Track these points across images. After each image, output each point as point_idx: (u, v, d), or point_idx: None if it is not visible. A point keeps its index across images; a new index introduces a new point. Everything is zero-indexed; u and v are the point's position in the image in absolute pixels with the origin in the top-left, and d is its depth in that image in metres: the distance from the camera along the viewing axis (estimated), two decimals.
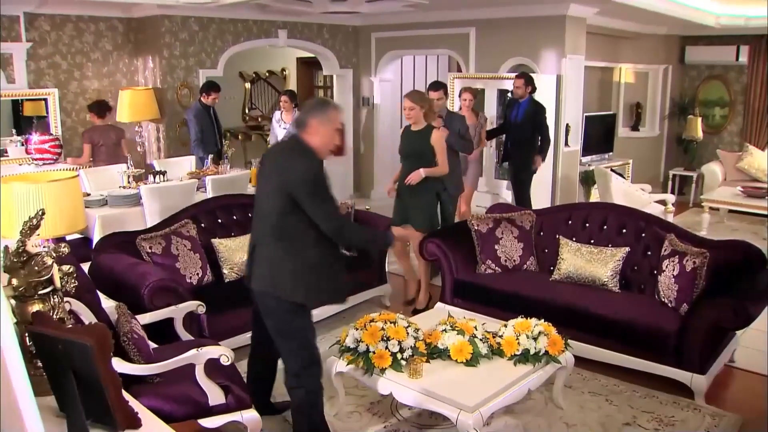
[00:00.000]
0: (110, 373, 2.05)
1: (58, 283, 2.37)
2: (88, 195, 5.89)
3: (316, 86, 11.95)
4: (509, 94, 7.50)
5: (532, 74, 7.56)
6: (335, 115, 3.36)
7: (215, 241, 4.88)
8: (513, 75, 7.79)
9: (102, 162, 6.98)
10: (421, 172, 5.25)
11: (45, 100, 7.39)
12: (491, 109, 8.35)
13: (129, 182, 6.26)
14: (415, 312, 5.30)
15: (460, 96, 7.18)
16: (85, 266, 4.10)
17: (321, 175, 3.26)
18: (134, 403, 2.23)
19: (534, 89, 7.14)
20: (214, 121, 7.72)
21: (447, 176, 5.50)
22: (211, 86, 7.58)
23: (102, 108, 7.21)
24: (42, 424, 1.61)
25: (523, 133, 7.16)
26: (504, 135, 7.56)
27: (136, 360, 3.10)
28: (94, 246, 4.72)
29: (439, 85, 6.21)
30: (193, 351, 3.08)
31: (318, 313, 5.00)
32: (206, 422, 3.05)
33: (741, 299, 3.89)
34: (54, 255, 2.36)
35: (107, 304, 3.65)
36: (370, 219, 5.63)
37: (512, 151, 7.35)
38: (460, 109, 7.12)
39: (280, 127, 7.85)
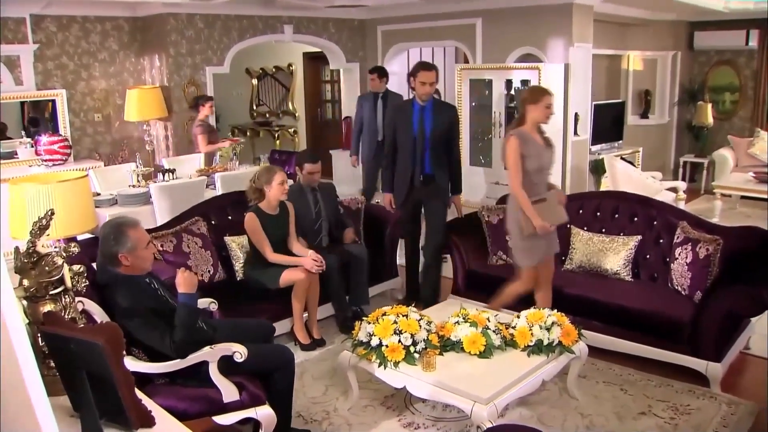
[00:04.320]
0: (123, 372, 2.05)
1: (69, 283, 2.37)
2: (98, 195, 5.91)
3: (322, 81, 11.93)
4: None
5: (540, 63, 7.49)
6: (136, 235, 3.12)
7: (227, 239, 4.89)
8: (522, 65, 7.71)
9: None
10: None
11: (53, 101, 7.42)
12: (500, 101, 7.76)
13: (138, 181, 6.28)
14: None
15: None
16: None
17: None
18: (148, 402, 2.23)
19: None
20: (382, 111, 6.93)
21: None
22: (373, 69, 7.33)
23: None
24: (56, 424, 1.61)
25: (444, 150, 5.14)
26: (392, 158, 5.24)
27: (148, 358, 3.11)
28: None
29: None
30: (207, 348, 3.08)
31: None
32: (220, 419, 3.06)
33: (756, 286, 3.85)
34: (64, 255, 2.36)
35: None
36: (380, 213, 5.56)
37: (428, 181, 5.13)
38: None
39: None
